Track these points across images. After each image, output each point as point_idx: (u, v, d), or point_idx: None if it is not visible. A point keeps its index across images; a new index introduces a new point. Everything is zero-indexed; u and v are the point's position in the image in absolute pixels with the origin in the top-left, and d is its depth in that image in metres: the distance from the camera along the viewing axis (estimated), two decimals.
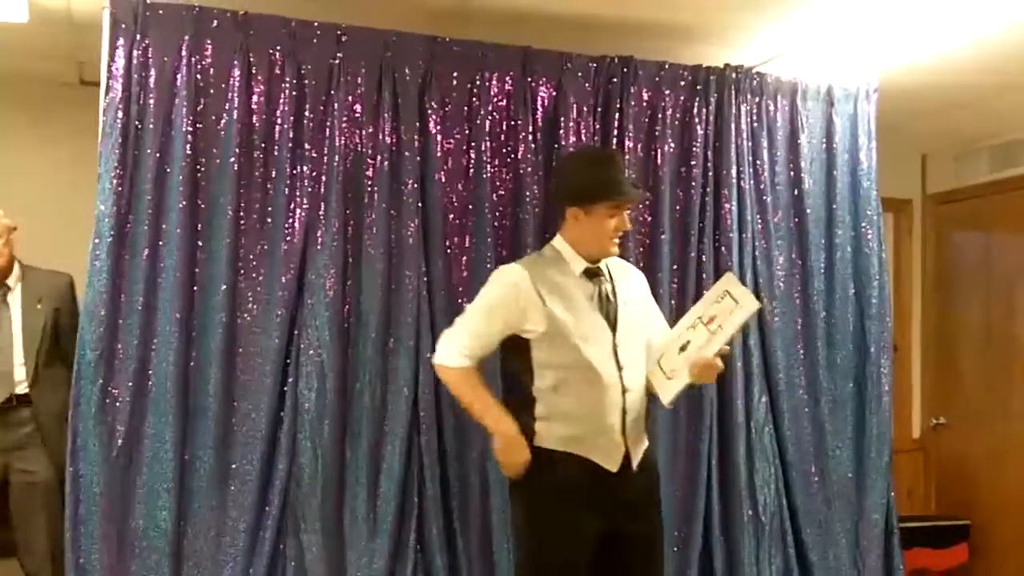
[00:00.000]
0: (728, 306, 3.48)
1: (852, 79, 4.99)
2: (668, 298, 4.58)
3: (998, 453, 6.24)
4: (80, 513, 4.00)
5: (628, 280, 3.66)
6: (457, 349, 3.54)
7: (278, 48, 4.22)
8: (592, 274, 3.52)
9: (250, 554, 4.12)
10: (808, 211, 4.88)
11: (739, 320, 3.45)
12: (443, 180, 4.39)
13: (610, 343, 3.46)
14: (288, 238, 4.21)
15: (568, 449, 3.41)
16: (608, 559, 3.43)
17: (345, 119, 4.28)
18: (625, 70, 4.63)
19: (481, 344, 3.52)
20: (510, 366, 3.57)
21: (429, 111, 4.38)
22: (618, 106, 4.61)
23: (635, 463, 3.49)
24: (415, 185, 4.33)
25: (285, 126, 4.21)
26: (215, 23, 4.15)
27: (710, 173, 4.73)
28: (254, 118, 4.20)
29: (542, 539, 3.43)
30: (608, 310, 3.50)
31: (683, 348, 3.52)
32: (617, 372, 3.46)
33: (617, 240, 3.54)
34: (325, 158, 4.25)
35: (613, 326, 3.49)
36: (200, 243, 4.14)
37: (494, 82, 4.48)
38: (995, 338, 6.29)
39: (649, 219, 4.65)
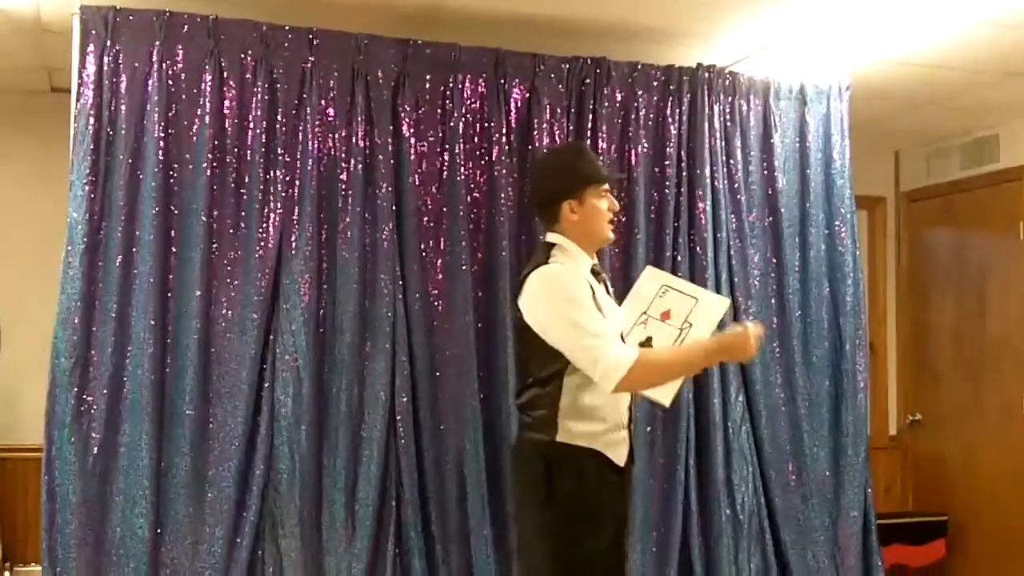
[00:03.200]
0: (681, 300, 3.43)
1: (824, 77, 5.01)
2: None
3: (974, 448, 6.27)
4: (56, 522, 3.97)
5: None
6: (614, 354, 3.20)
7: (249, 52, 4.21)
8: (595, 272, 3.46)
9: (228, 561, 4.10)
10: (782, 210, 4.90)
11: (715, 318, 3.42)
12: (417, 183, 4.39)
13: (620, 338, 3.41)
14: (262, 243, 4.19)
15: (591, 445, 3.32)
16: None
17: (318, 123, 4.27)
18: (598, 71, 4.64)
19: (615, 330, 3.33)
20: (535, 360, 3.36)
21: (402, 114, 4.38)
22: (591, 107, 4.62)
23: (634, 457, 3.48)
24: (389, 188, 4.33)
25: (258, 131, 4.20)
26: (186, 28, 4.14)
27: (684, 173, 4.74)
28: (226, 123, 4.19)
29: (575, 536, 3.28)
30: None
31: (644, 345, 3.44)
32: None
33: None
34: (298, 162, 4.24)
35: None
36: (174, 249, 4.13)
37: (467, 84, 4.48)
38: (969, 334, 6.32)
39: (624, 220, 4.64)
